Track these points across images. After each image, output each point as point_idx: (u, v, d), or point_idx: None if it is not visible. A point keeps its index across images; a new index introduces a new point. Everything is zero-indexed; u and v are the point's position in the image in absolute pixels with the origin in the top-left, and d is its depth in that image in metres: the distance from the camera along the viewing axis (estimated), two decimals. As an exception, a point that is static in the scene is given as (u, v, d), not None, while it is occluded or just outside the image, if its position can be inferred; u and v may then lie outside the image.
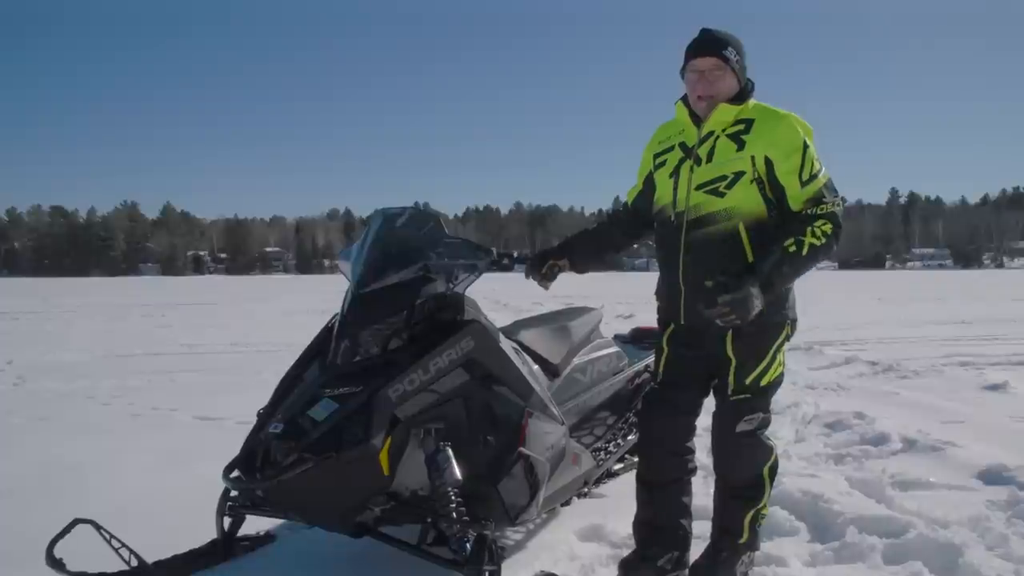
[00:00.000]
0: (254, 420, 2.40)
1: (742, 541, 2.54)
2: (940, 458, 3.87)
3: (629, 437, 3.39)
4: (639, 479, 2.65)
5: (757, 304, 2.21)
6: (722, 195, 2.42)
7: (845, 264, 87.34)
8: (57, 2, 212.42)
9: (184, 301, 21.94)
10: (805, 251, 2.29)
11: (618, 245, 2.92)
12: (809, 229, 2.31)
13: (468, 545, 2.23)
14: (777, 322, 2.48)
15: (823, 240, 2.31)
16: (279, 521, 2.88)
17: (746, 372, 2.45)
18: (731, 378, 2.47)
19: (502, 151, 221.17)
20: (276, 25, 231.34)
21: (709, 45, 2.46)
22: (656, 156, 2.65)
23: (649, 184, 2.70)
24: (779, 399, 4.05)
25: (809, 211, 2.35)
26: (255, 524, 2.81)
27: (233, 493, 2.53)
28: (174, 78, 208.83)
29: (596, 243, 2.90)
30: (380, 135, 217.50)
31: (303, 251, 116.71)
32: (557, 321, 3.33)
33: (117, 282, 50.88)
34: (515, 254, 2.84)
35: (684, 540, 2.59)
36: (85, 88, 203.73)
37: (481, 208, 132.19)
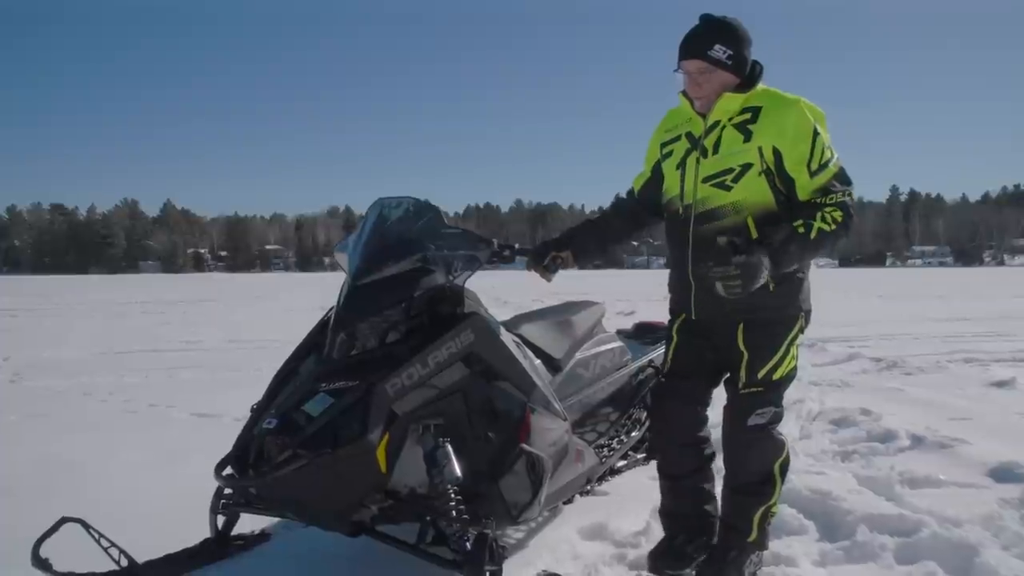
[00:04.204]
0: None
1: (751, 540, 2.48)
2: (949, 455, 3.80)
3: (633, 434, 3.32)
4: (659, 470, 2.65)
5: (764, 275, 2.14)
6: (729, 188, 2.35)
7: (845, 262, 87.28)
8: (57, 1, 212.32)
9: (184, 298, 21.87)
10: (813, 234, 2.22)
11: (621, 236, 2.84)
12: (819, 214, 2.25)
13: (468, 544, 2.16)
14: (790, 314, 2.42)
15: (832, 226, 2.24)
16: (274, 519, 2.81)
17: (758, 365, 2.39)
18: (743, 371, 2.41)
19: (503, 149, 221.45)
20: (275, 23, 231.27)
21: (694, 46, 2.37)
22: (663, 145, 2.58)
23: (657, 173, 2.63)
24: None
25: (819, 199, 2.29)
26: (249, 522, 2.74)
27: (227, 491, 2.47)
28: (174, 76, 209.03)
29: (599, 234, 2.82)
30: (380, 132, 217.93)
31: (303, 248, 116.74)
32: (559, 315, 3.26)
33: (117, 280, 50.81)
34: (516, 246, 2.78)
35: (710, 525, 2.57)
36: (85, 86, 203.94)
37: (482, 206, 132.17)
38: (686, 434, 2.55)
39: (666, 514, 2.63)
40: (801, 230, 2.23)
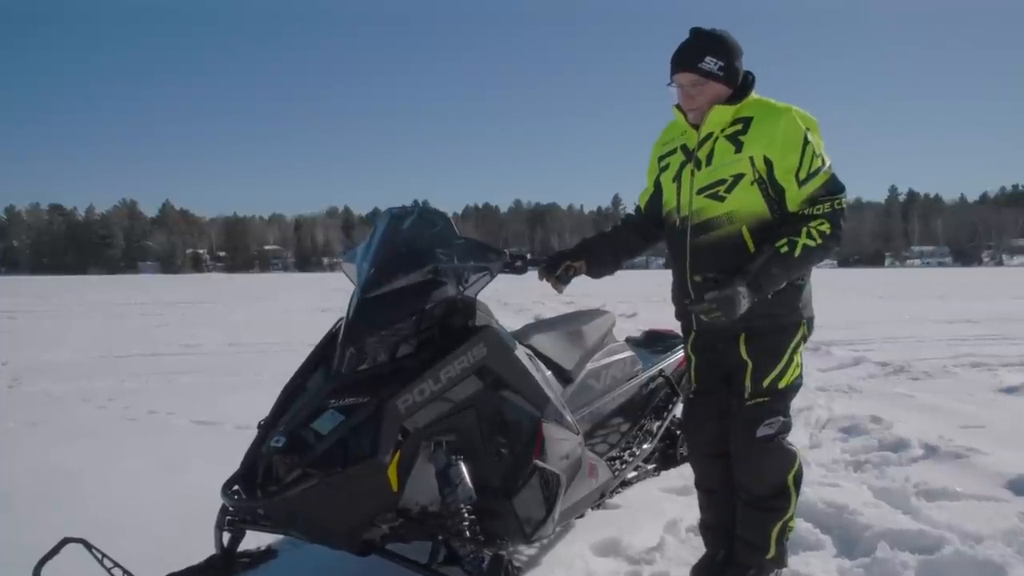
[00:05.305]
0: (254, 425, 2.28)
1: (769, 557, 2.43)
2: (965, 466, 3.73)
3: (644, 445, 3.26)
4: (696, 484, 2.65)
5: (743, 303, 2.17)
6: (722, 199, 2.35)
7: (844, 262, 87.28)
8: (57, 1, 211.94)
9: (182, 299, 21.80)
10: (797, 252, 2.21)
11: (634, 248, 2.84)
12: (804, 229, 2.24)
13: (484, 566, 2.10)
14: (792, 322, 2.41)
15: (818, 241, 2.23)
16: (281, 536, 2.75)
17: (762, 374, 2.37)
18: (747, 381, 2.39)
19: (502, 149, 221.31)
20: (274, 23, 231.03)
21: (685, 59, 2.38)
22: (660, 159, 2.61)
23: (659, 187, 2.64)
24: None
25: (806, 211, 2.27)
26: (256, 539, 2.68)
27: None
28: (173, 76, 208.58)
29: (613, 246, 2.81)
30: (379, 132, 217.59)
31: (302, 249, 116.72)
32: (570, 325, 3.20)
33: (116, 280, 50.73)
34: (528, 256, 2.72)
35: None
36: (84, 86, 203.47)
37: (480, 206, 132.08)
38: (715, 446, 2.54)
39: (707, 528, 2.62)
40: (784, 249, 2.22)
